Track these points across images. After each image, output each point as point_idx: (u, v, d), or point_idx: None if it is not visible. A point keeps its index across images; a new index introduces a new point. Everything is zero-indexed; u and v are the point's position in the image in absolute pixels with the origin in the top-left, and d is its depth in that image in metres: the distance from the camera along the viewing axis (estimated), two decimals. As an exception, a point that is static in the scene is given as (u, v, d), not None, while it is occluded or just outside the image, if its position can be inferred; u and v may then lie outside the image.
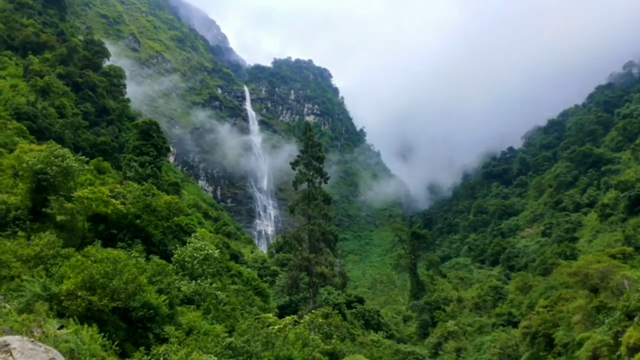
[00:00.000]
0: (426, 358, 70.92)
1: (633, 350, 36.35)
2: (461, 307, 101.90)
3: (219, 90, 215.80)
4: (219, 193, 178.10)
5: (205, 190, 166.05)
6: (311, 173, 59.32)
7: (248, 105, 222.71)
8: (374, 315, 76.85)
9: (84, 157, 41.25)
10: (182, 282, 31.22)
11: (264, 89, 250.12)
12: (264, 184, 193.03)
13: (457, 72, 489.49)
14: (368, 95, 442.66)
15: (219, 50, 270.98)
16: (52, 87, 69.09)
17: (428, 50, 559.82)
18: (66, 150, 33.97)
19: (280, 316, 35.63)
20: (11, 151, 39.14)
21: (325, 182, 61.72)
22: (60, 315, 19.12)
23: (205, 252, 35.25)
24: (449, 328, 78.45)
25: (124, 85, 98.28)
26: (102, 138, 72.57)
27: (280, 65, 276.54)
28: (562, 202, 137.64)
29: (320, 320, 32.30)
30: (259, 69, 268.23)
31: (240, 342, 23.35)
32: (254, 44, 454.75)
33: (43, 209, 30.13)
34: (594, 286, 56.31)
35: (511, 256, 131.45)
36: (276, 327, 25.39)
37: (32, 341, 9.41)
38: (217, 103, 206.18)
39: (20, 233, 26.26)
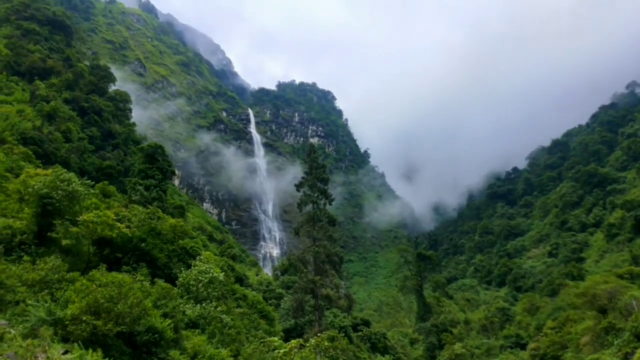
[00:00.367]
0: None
1: (643, 372, 35.82)
2: (468, 329, 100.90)
3: (224, 114, 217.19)
4: (223, 216, 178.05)
5: (210, 213, 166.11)
6: (316, 195, 59.24)
7: (253, 128, 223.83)
8: (381, 338, 76.03)
9: (89, 181, 41.43)
10: (187, 305, 31.07)
11: (268, 112, 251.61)
12: (269, 206, 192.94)
13: (461, 94, 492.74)
14: (372, 116, 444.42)
15: (223, 74, 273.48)
16: (58, 112, 69.67)
17: (432, 72, 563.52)
18: (72, 174, 34.10)
19: (286, 340, 35.37)
20: (17, 176, 39.31)
21: (330, 204, 61.62)
22: (64, 340, 19.03)
23: (210, 275, 35.09)
24: (457, 351, 77.34)
25: (130, 110, 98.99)
26: (108, 162, 72.89)
27: (285, 88, 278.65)
28: (568, 222, 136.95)
29: (326, 343, 31.97)
30: (263, 92, 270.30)
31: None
32: (258, 68, 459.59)
33: (48, 233, 30.16)
34: (602, 307, 55.71)
35: (518, 277, 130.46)
36: (282, 351, 25.17)
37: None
38: (222, 126, 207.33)
39: (25, 257, 26.24)
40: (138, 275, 29.87)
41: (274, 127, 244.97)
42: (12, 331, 14.84)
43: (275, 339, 27.92)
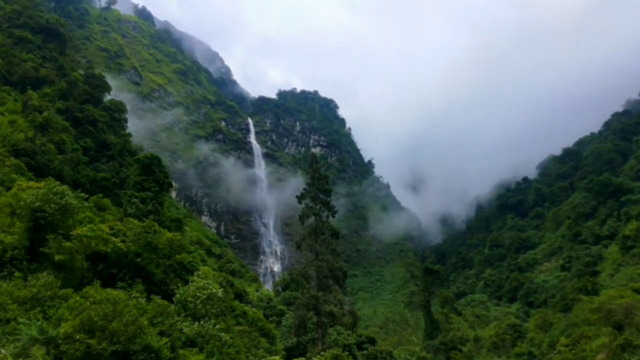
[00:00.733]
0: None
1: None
2: (478, 346, 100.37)
3: (223, 123, 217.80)
4: (222, 229, 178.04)
5: (208, 226, 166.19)
6: (318, 207, 59.19)
7: (252, 138, 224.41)
8: (387, 356, 75.48)
9: (83, 194, 41.49)
10: (184, 323, 30.98)
11: (268, 121, 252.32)
12: (270, 219, 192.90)
13: (469, 101, 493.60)
14: (376, 125, 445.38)
15: (222, 83, 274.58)
16: (51, 123, 69.95)
17: (439, 78, 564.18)
18: (65, 187, 34.19)
19: (288, 359, 35.30)
20: (9, 188, 39.37)
21: (333, 216, 61.54)
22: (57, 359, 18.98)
23: (209, 291, 35.02)
24: None
25: (125, 120, 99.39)
26: (103, 174, 73.06)
27: (285, 96, 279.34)
28: (581, 234, 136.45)
29: None
30: (263, 100, 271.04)
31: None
32: (258, 76, 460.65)
33: (41, 249, 30.15)
34: (617, 323, 55.37)
35: (530, 292, 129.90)
36: None
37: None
38: (220, 136, 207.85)
39: (16, 274, 26.24)
40: (133, 292, 29.83)
41: (274, 137, 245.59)
42: (3, 351, 14.80)
43: (277, 358, 27.85)
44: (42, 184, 34.00)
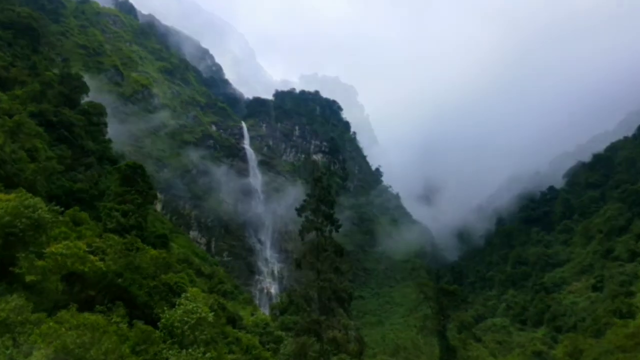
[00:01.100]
0: None
1: None
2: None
3: (213, 128, 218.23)
4: (213, 245, 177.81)
5: (197, 242, 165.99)
6: (320, 220, 59.17)
7: (247, 144, 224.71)
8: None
9: (58, 207, 41.62)
10: (170, 351, 30.95)
11: (264, 125, 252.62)
12: (266, 234, 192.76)
13: (489, 102, 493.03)
14: (384, 129, 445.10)
15: (213, 83, 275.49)
16: (22, 128, 70.07)
17: (454, 78, 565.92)
18: (38, 199, 34.31)
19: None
20: (-25, 201, 39.51)
21: (337, 231, 61.53)
22: (28, 393, 18.97)
23: (198, 315, 35.01)
24: None
25: (105, 124, 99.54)
26: (80, 185, 73.12)
27: (283, 97, 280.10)
28: (615, 251, 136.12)
29: None
30: (258, 102, 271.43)
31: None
32: (253, 75, 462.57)
33: (10, 268, 30.19)
34: (656, 349, 55.28)
35: (557, 315, 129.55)
36: None
37: None
38: (211, 142, 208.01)
39: (-17, 297, 26.25)
40: (114, 317, 29.89)
41: (271, 143, 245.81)
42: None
43: None
44: (12, 196, 34.12)
